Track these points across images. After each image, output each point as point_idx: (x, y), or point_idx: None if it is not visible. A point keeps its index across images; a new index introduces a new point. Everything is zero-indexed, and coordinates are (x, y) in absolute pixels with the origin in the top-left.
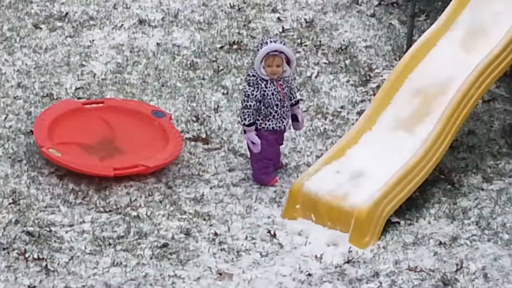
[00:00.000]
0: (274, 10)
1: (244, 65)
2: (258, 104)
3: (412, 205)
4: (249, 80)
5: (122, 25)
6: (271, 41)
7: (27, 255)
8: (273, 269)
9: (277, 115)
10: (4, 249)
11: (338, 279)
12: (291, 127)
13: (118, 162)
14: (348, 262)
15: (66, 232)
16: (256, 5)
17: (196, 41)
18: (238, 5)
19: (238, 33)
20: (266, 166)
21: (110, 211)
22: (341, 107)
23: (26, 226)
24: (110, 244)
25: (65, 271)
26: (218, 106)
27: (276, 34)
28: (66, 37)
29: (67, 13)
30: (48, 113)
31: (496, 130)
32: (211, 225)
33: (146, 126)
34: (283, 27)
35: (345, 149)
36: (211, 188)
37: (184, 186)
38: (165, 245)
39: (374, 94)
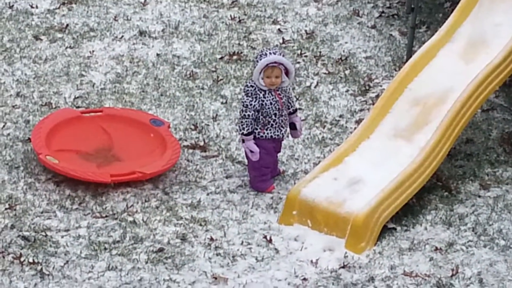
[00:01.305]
0: (274, 22)
1: (244, 75)
2: (256, 113)
3: (408, 211)
4: (247, 90)
5: (122, 36)
6: (270, 53)
7: (22, 259)
8: (268, 273)
9: (276, 124)
10: None
11: (333, 284)
12: (289, 135)
13: (116, 169)
14: (343, 267)
15: (62, 237)
16: (257, 17)
17: (196, 52)
18: (239, 17)
19: (239, 44)
20: (263, 174)
21: (106, 216)
22: (340, 116)
23: (22, 230)
24: (105, 248)
25: (60, 275)
26: (216, 115)
27: (277, 45)
28: (66, 48)
29: (67, 25)
30: (47, 121)
31: (494, 138)
32: (207, 231)
33: (144, 134)
34: (283, 38)
35: (343, 156)
36: (208, 194)
37: (181, 192)
38: (160, 250)
39: (373, 104)
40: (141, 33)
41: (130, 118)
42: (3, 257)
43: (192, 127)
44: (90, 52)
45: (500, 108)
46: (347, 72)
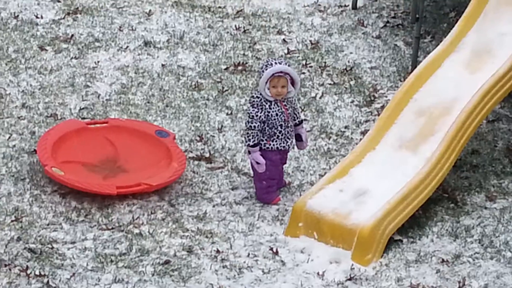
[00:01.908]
0: (279, 32)
1: (249, 85)
2: (262, 125)
3: (415, 223)
4: (253, 101)
5: (127, 46)
6: (275, 62)
7: (28, 271)
8: (275, 286)
9: (281, 135)
10: (5, 265)
11: None
12: (295, 147)
13: (121, 180)
14: (350, 279)
15: (68, 249)
16: (262, 27)
17: (201, 62)
18: (244, 27)
19: (243, 54)
20: (269, 185)
21: (112, 228)
22: (345, 127)
23: (28, 243)
24: (112, 261)
25: (67, 287)
26: (222, 126)
27: (282, 56)
28: (72, 58)
29: (72, 35)
30: (52, 133)
31: (500, 149)
32: (213, 243)
33: (150, 145)
34: (288, 49)
35: (349, 168)
36: (213, 206)
37: (186, 204)
38: (167, 262)
39: (379, 114)
40: (146, 43)
41: (136, 129)
42: (10, 269)
43: (198, 138)
44: (95, 62)
45: (505, 119)
46: (352, 82)
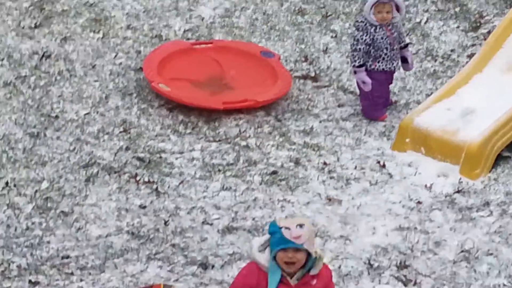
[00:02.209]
0: None
1: (353, 11)
2: (367, 47)
3: None
4: (358, 25)
5: None
6: None
7: (138, 178)
8: (383, 196)
9: (387, 57)
10: (115, 172)
11: (448, 207)
12: (401, 68)
13: (228, 97)
14: (458, 192)
15: (176, 158)
16: None
17: None
18: None
19: None
20: (376, 103)
21: (219, 140)
22: (451, 51)
23: (136, 152)
24: (219, 170)
25: (175, 193)
26: (327, 48)
27: None
28: None
29: None
30: (158, 52)
31: None
32: (320, 155)
33: (255, 65)
34: None
35: (456, 88)
36: (320, 121)
37: (293, 119)
38: (274, 172)
39: (485, 39)
40: None
41: (241, 49)
42: (119, 176)
43: (303, 59)
44: None
45: None
46: (457, 9)
